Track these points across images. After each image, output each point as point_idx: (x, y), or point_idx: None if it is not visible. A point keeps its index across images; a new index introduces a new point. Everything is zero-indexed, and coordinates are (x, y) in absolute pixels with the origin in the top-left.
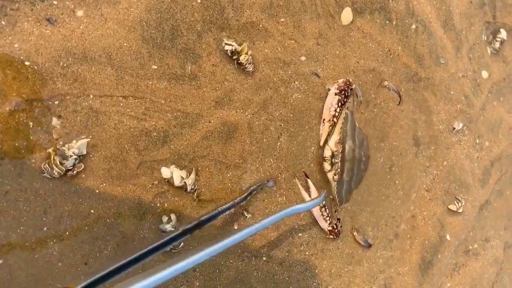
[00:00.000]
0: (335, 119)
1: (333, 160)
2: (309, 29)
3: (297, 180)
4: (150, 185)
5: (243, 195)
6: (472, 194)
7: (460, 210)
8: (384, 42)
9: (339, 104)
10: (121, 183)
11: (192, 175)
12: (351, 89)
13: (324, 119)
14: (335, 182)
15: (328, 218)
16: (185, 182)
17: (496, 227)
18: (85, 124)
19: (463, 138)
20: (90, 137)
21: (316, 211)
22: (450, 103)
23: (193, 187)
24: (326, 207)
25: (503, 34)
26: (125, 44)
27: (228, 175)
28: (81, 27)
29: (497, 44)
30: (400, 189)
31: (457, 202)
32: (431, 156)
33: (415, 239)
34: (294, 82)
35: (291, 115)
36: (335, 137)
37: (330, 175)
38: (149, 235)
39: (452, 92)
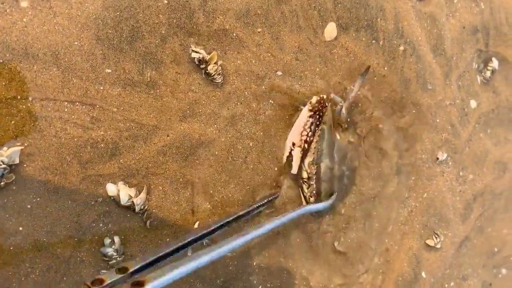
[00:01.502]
0: (306, 145)
1: (309, 182)
2: (288, 42)
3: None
4: (92, 203)
5: (248, 209)
6: (452, 230)
7: (438, 246)
8: (369, 62)
9: (312, 127)
10: (58, 199)
11: (142, 194)
12: (325, 107)
13: (293, 143)
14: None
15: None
16: (133, 202)
17: (475, 265)
18: (21, 130)
19: (446, 170)
20: (26, 144)
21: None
22: (435, 132)
23: (142, 207)
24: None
25: (494, 63)
26: (76, 43)
27: (185, 196)
28: (24, 20)
29: (488, 74)
30: (376, 220)
31: (436, 237)
32: (411, 186)
33: (388, 274)
34: (268, 99)
35: (261, 133)
36: (309, 158)
37: (306, 196)
38: (87, 258)
39: (438, 120)
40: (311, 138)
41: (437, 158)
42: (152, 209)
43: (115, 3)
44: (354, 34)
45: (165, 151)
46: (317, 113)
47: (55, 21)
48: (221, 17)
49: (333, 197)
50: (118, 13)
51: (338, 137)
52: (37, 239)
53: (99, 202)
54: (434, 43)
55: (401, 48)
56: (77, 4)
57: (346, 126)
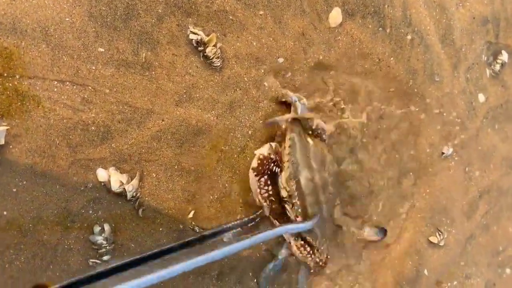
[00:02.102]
0: (272, 198)
1: (291, 200)
2: (291, 27)
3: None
4: (82, 188)
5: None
6: (456, 227)
7: (442, 243)
8: (374, 50)
9: (268, 183)
10: (46, 183)
11: (134, 181)
12: (275, 161)
13: (258, 199)
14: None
15: (309, 256)
16: (124, 188)
17: (479, 264)
18: (7, 109)
19: (451, 165)
20: (12, 124)
21: (297, 253)
22: (442, 125)
23: (134, 194)
24: (305, 245)
25: (504, 56)
26: (67, 19)
27: (180, 184)
28: None
29: (497, 67)
30: (376, 215)
31: (439, 234)
32: (414, 181)
33: (390, 271)
34: (267, 85)
35: (261, 122)
36: (285, 174)
37: (292, 217)
38: (75, 246)
39: (444, 114)
40: (272, 194)
41: (443, 153)
42: (144, 197)
43: None
44: (360, 21)
45: (159, 137)
46: (266, 171)
47: None
48: None
49: (315, 219)
50: None
51: (310, 142)
52: (23, 224)
53: (89, 187)
54: (443, 33)
55: (409, 37)
56: None
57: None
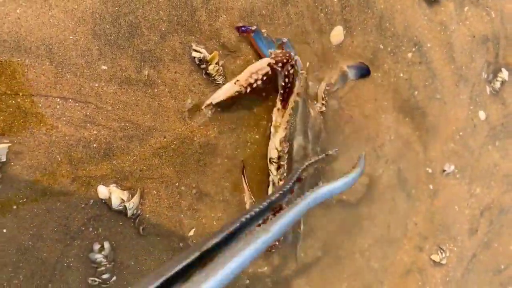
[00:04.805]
0: (248, 88)
1: (279, 162)
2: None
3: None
4: (83, 205)
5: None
6: (458, 244)
7: (444, 262)
8: (375, 67)
9: (264, 78)
10: (46, 200)
11: (135, 198)
12: (292, 65)
13: (238, 80)
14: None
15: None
16: (125, 206)
17: (480, 282)
18: (9, 126)
19: (452, 182)
20: (14, 142)
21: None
22: (442, 142)
23: (135, 212)
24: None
25: (504, 74)
26: (71, 37)
27: (182, 201)
28: (17, 11)
29: (498, 84)
30: (376, 233)
31: (441, 252)
32: (415, 199)
33: None
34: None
35: (263, 140)
36: (280, 133)
37: (275, 179)
38: (75, 264)
39: (445, 131)
40: (277, 106)
41: (444, 170)
42: (145, 214)
43: None
44: (361, 39)
45: (161, 154)
46: (279, 64)
47: (50, 13)
48: (224, 15)
49: (361, 162)
50: (116, 8)
51: (312, 113)
52: (22, 242)
53: (89, 205)
54: (444, 51)
55: (410, 55)
56: None
57: (324, 102)
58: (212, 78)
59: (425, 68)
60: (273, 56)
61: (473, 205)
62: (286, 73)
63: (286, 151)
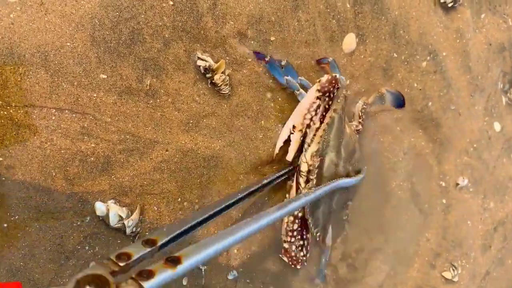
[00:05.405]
0: (307, 130)
1: (309, 176)
2: (304, 53)
3: None
4: (78, 223)
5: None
6: (470, 261)
7: (456, 279)
8: (389, 76)
9: (318, 111)
10: (39, 218)
11: (135, 215)
12: (338, 88)
13: (294, 126)
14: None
15: (290, 239)
16: (123, 223)
17: None
18: (0, 139)
19: (466, 197)
20: (6, 155)
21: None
22: (456, 155)
23: (134, 229)
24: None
25: None
26: (68, 44)
27: (183, 218)
28: (11, 16)
29: None
30: (388, 250)
31: (453, 270)
32: (428, 213)
33: None
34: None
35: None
36: (313, 147)
37: (303, 192)
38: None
39: (459, 142)
40: (316, 125)
41: (457, 184)
42: (145, 232)
43: (114, 2)
44: (374, 47)
45: (162, 168)
46: (326, 94)
47: (46, 18)
48: (231, 22)
49: (364, 170)
50: (117, 13)
51: (348, 130)
52: (13, 262)
53: (85, 222)
54: (459, 60)
55: (424, 64)
56: (72, 1)
57: (361, 121)
58: (218, 88)
59: (440, 77)
60: (319, 88)
61: (487, 220)
62: (331, 95)
63: (316, 166)
